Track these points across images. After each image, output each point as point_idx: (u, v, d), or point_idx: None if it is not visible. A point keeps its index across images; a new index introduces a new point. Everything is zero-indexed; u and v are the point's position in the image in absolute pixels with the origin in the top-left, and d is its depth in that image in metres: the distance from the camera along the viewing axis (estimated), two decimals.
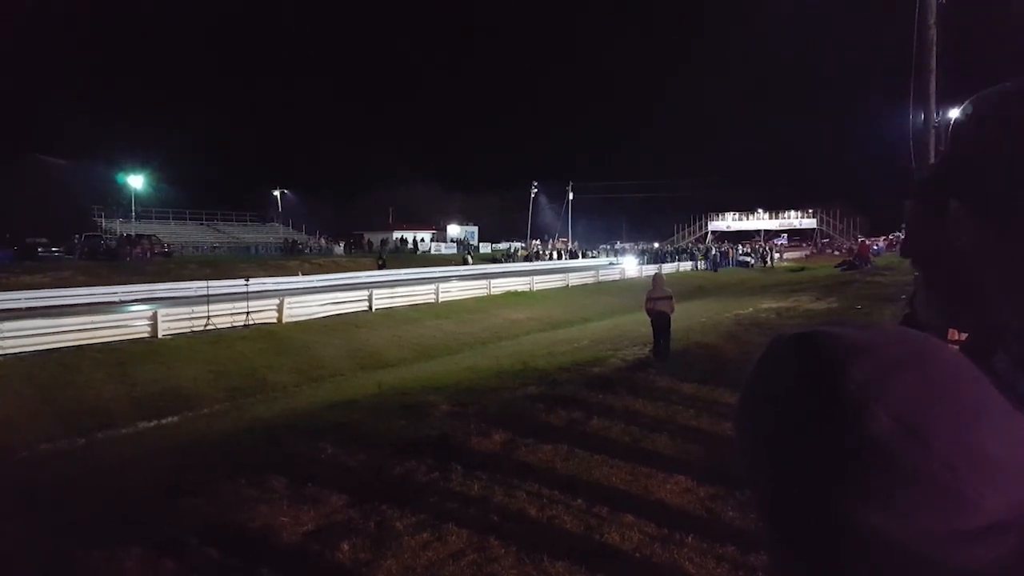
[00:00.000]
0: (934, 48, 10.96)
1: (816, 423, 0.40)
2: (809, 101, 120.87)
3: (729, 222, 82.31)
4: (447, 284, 28.38)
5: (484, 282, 29.76)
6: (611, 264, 49.51)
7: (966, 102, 0.58)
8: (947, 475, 0.38)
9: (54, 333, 15.28)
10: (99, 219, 47.49)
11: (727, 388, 7.95)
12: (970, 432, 0.39)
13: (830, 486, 0.39)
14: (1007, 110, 0.54)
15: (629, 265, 44.35)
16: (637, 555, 4.07)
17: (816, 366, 0.41)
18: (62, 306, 20.04)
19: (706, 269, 46.45)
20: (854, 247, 47.45)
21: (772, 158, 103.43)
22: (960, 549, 0.38)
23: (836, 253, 59.48)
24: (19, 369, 13.65)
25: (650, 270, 36.64)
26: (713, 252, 51.19)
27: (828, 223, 77.58)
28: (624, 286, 34.42)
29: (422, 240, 66.53)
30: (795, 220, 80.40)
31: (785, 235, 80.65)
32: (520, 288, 30.85)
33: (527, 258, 56.84)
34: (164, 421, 11.86)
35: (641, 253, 58.03)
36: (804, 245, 75.45)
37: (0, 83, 61.84)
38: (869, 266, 35.07)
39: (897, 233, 63.25)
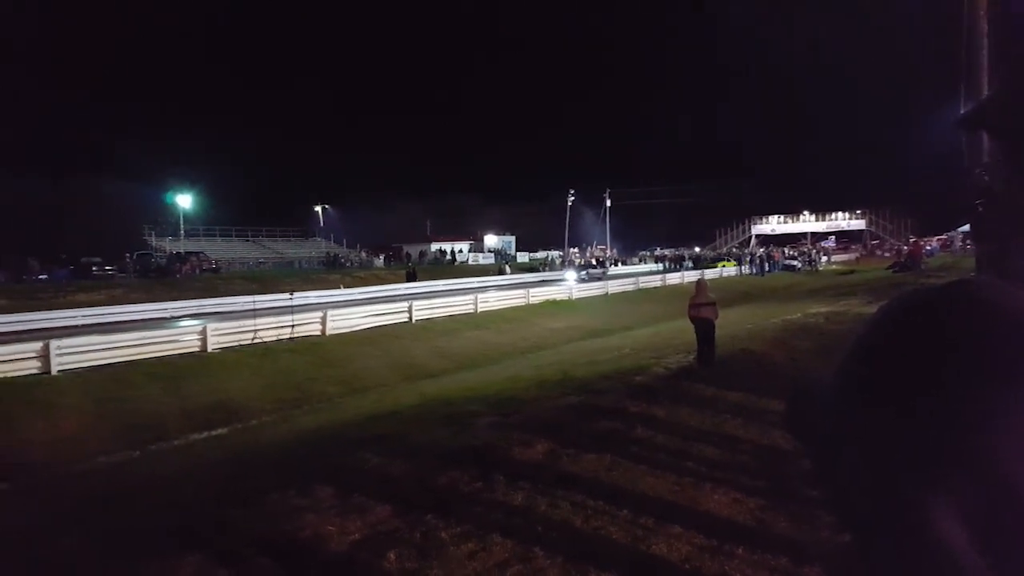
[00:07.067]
0: (985, 43, 10.61)
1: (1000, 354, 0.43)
2: (857, 99, 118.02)
3: (774, 225, 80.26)
4: (485, 294, 28.51)
5: (522, 291, 29.79)
6: (650, 271, 49.06)
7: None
8: None
9: (109, 349, 15.86)
10: (149, 238, 49.29)
11: (775, 396, 7.71)
12: None
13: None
14: None
15: (669, 273, 43.85)
16: (686, 566, 3.99)
17: (982, 309, 0.45)
18: (116, 323, 20.77)
19: (751, 273, 45.62)
20: (905, 248, 45.84)
21: (818, 158, 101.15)
22: None
23: (887, 255, 57.55)
24: (77, 384, 14.19)
25: (692, 276, 36.16)
26: (759, 254, 50.08)
27: (878, 224, 75.05)
28: (666, 293, 34.04)
29: (460, 251, 66.98)
30: (842, 221, 77.82)
31: (832, 237, 78.34)
32: (559, 297, 30.75)
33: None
34: (215, 432, 12.19)
35: (682, 259, 57.35)
36: (853, 247, 73.24)
37: (55, 109, 64.84)
38: (922, 268, 33.91)
39: (951, 232, 60.94)
